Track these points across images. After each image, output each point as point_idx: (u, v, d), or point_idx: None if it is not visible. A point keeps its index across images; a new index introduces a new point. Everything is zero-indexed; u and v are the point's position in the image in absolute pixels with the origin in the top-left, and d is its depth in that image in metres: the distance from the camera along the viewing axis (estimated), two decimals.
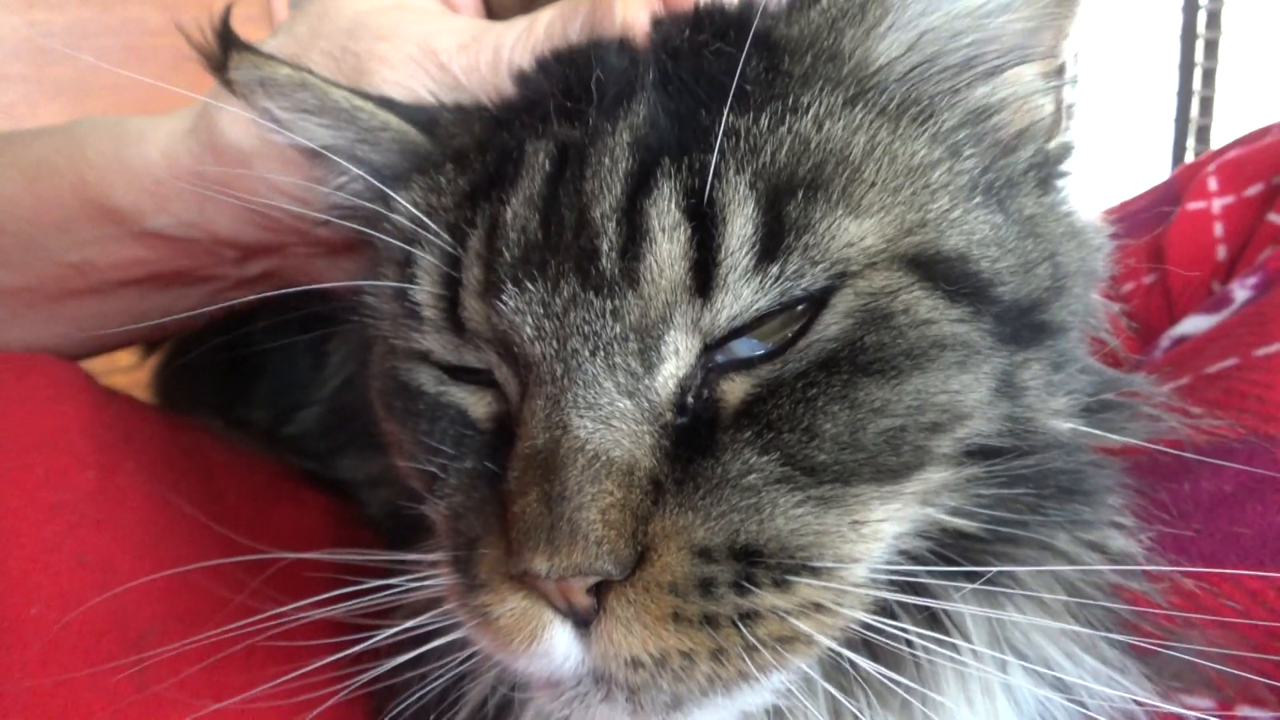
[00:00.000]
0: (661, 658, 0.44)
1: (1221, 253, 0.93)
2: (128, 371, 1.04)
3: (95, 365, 0.87)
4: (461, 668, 0.53)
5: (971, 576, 0.50)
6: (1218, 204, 0.95)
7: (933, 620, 0.51)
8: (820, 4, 0.52)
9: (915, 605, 0.50)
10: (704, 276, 0.46)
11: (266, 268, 0.81)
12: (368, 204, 0.60)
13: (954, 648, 0.51)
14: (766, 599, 0.44)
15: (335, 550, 0.56)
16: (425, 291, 0.53)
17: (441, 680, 0.54)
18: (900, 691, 0.50)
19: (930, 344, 0.47)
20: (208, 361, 0.94)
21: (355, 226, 0.61)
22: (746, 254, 0.46)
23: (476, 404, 0.54)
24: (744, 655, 0.44)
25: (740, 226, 0.46)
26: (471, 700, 0.58)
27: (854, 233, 0.47)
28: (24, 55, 2.27)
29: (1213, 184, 0.97)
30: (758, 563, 0.45)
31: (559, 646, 0.46)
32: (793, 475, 0.46)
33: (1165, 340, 0.85)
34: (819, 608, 0.46)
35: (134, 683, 0.57)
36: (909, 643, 0.50)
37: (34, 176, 0.77)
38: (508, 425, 0.52)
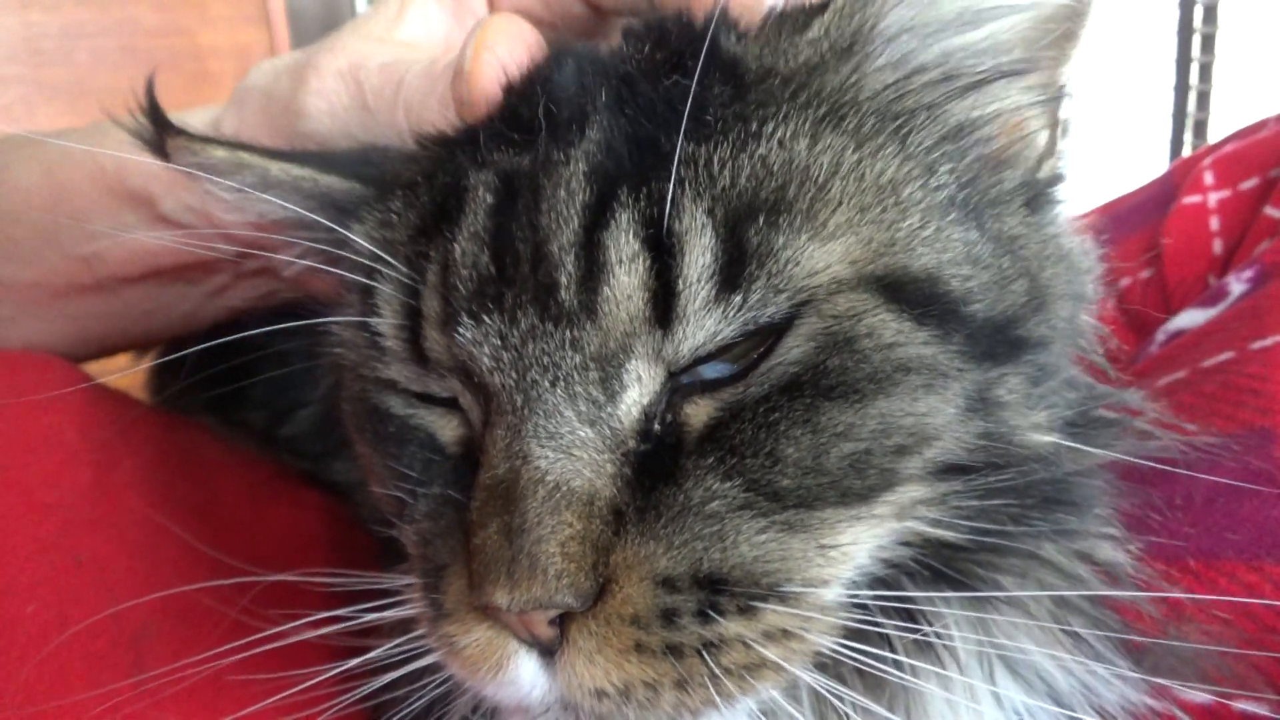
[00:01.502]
0: (625, 688, 0.44)
1: (1218, 247, 0.93)
2: (123, 372, 1.03)
3: (90, 366, 0.88)
4: (440, 690, 0.53)
5: (956, 586, 0.50)
6: (1214, 198, 0.95)
7: (917, 629, 0.51)
8: (809, 36, 0.50)
9: (898, 614, 0.50)
10: (664, 307, 0.46)
11: (263, 263, 0.81)
12: (325, 254, 0.58)
13: (939, 659, 0.51)
14: (731, 627, 0.44)
15: (323, 570, 0.56)
16: (387, 323, 0.52)
17: (423, 699, 0.54)
18: (883, 707, 0.50)
19: (895, 367, 0.46)
20: (204, 362, 0.94)
21: (318, 265, 0.59)
22: (706, 284, 0.45)
23: (444, 427, 0.54)
24: (709, 684, 0.44)
25: (698, 257, 0.45)
26: (455, 716, 0.58)
27: (818, 259, 0.46)
28: (20, 56, 2.27)
29: (1209, 178, 0.97)
30: (722, 590, 0.44)
31: (525, 676, 0.46)
32: (756, 501, 0.45)
33: (1161, 334, 0.85)
34: (786, 634, 0.45)
35: (130, 682, 0.58)
36: (893, 652, 0.50)
37: (52, 168, 0.79)
38: (474, 450, 0.51)
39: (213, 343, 0.74)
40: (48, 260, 0.80)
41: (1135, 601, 0.55)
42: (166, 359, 0.99)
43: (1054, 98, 0.55)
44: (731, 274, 0.45)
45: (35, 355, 0.77)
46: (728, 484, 0.45)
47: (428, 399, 0.54)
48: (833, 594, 0.47)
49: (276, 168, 0.58)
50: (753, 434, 0.46)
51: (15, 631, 0.58)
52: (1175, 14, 2.98)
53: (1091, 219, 1.14)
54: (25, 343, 0.82)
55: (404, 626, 0.52)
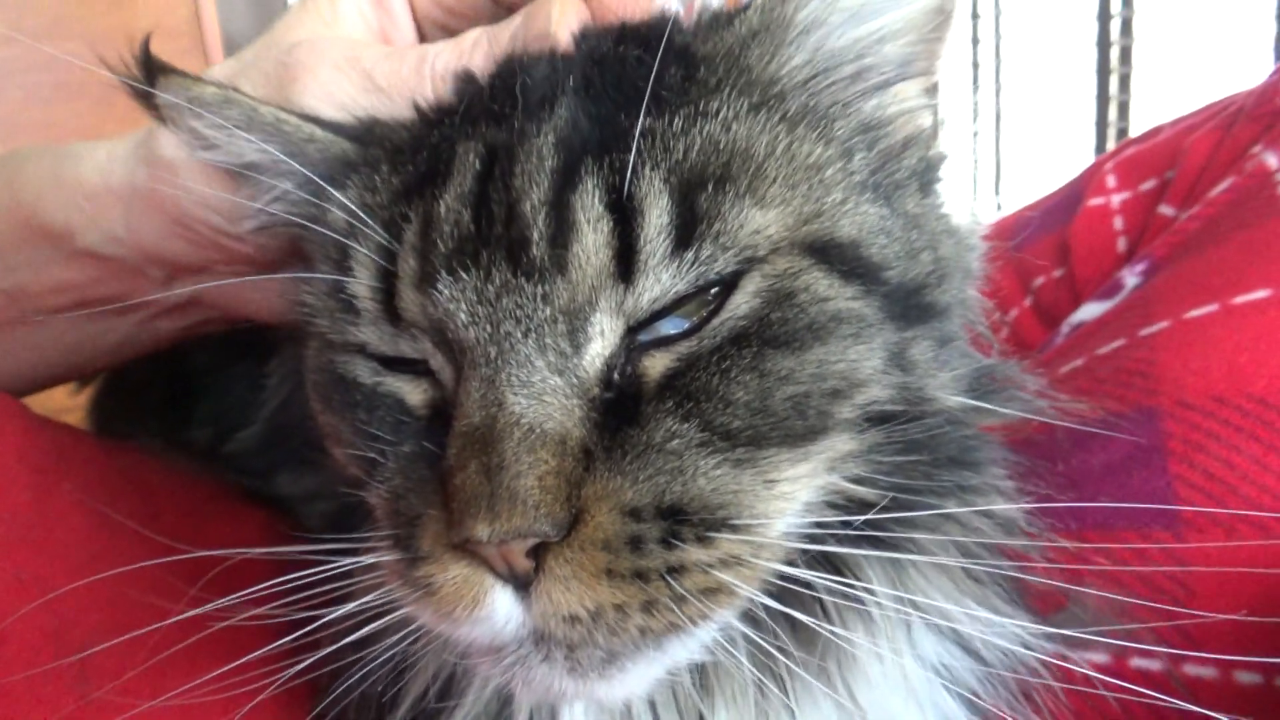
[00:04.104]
0: (597, 611, 0.47)
1: (1122, 245, 0.99)
2: (66, 412, 1.03)
3: (29, 400, 0.88)
4: (400, 648, 0.55)
5: (876, 544, 0.54)
6: (1116, 199, 1.01)
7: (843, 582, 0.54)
8: (731, 28, 0.57)
9: (825, 564, 0.53)
10: (626, 263, 0.50)
11: (191, 290, 0.82)
12: (297, 216, 0.62)
13: (865, 610, 0.55)
14: (691, 553, 0.47)
15: (275, 548, 0.57)
16: (362, 284, 0.55)
17: (382, 668, 0.56)
18: (815, 657, 0.54)
19: (829, 318, 0.52)
20: (147, 384, 0.95)
21: (297, 222, 0.63)
22: (664, 241, 0.50)
23: (413, 392, 0.57)
24: (673, 605, 0.47)
25: (657, 217, 0.50)
26: (414, 692, 0.60)
27: (759, 222, 0.51)
28: None
29: (1111, 181, 1.02)
30: (683, 521, 0.48)
31: (500, 610, 0.48)
32: (711, 440, 0.50)
33: (1065, 327, 0.90)
34: (738, 561, 0.49)
35: (76, 694, 0.59)
36: (823, 608, 0.54)
37: None
38: (443, 411, 0.54)
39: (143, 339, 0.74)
40: None
41: (1025, 549, 0.60)
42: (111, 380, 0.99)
43: (933, 93, 0.62)
44: (685, 234, 0.50)
45: None
46: (685, 425, 0.50)
47: (395, 366, 0.57)
48: (777, 529, 0.51)
49: (265, 109, 0.61)
50: (706, 380, 0.50)
51: None
52: (1094, 28, 3.08)
53: (1014, 219, 1.20)
54: None
55: (365, 591, 0.53)
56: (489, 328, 0.50)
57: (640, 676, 0.51)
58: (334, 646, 0.55)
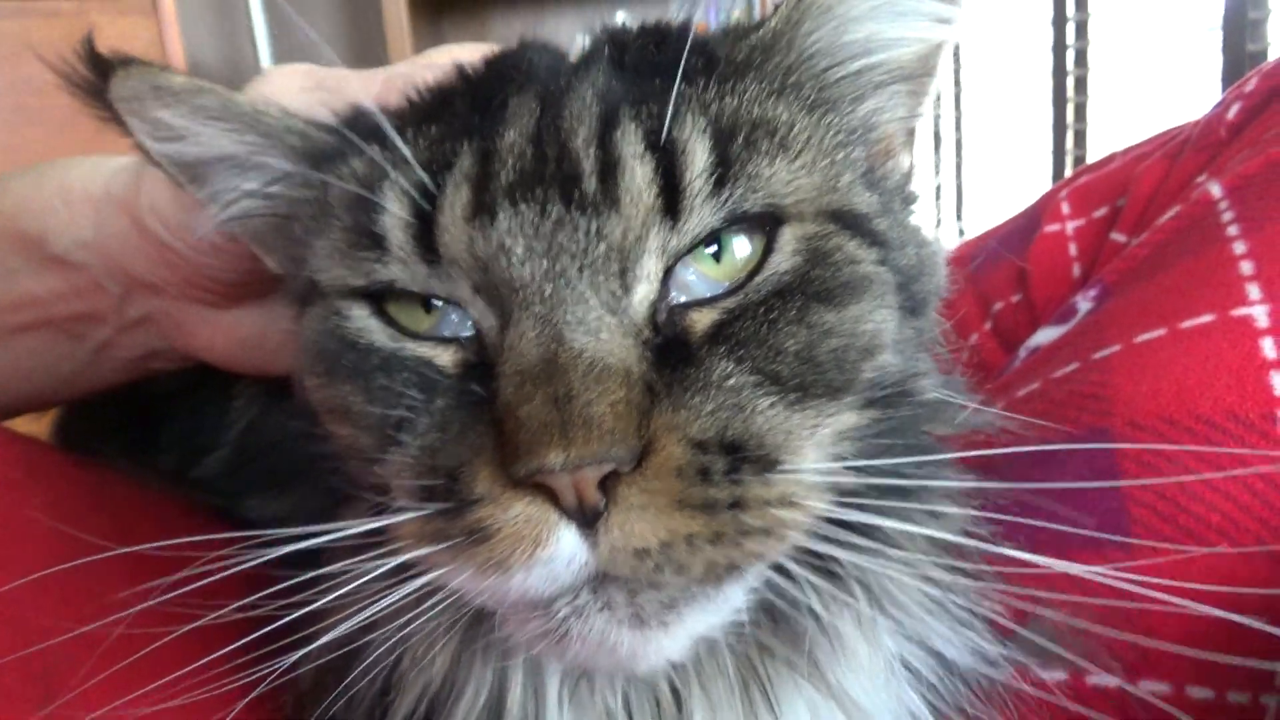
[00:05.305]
0: (669, 542, 0.46)
1: (1077, 270, 1.01)
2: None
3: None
4: (389, 647, 0.54)
5: (848, 528, 0.54)
6: (1071, 226, 1.03)
7: (831, 578, 0.56)
8: (748, 40, 0.60)
9: (811, 565, 0.54)
10: (671, 201, 0.52)
11: (145, 311, 0.82)
12: (281, 203, 0.62)
13: (851, 598, 0.56)
14: (753, 488, 0.48)
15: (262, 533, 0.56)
16: (395, 217, 0.54)
17: (369, 678, 0.56)
18: (803, 654, 0.55)
19: (860, 278, 0.55)
20: (111, 406, 0.94)
21: (280, 212, 0.63)
22: (707, 181, 0.52)
23: (441, 354, 0.55)
24: (739, 539, 0.47)
25: (699, 157, 0.53)
26: (401, 710, 0.59)
27: (786, 175, 0.54)
28: None
29: (1065, 208, 1.05)
30: (743, 457, 0.48)
31: (565, 549, 0.47)
32: (764, 383, 0.51)
33: (1023, 351, 0.92)
34: (792, 500, 0.50)
35: (39, 712, 0.58)
36: (811, 606, 0.55)
37: None
38: (478, 368, 0.54)
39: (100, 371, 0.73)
40: None
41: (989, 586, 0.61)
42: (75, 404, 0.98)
43: (912, 130, 0.66)
44: (721, 174, 0.53)
45: None
46: (739, 367, 0.51)
47: (417, 334, 0.56)
48: (818, 476, 0.52)
49: (241, 99, 0.61)
50: (755, 329, 0.52)
51: None
52: (1050, 59, 3.14)
53: (974, 245, 1.22)
54: None
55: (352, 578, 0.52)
56: (545, 263, 0.51)
57: (691, 629, 0.51)
58: (316, 645, 0.54)
